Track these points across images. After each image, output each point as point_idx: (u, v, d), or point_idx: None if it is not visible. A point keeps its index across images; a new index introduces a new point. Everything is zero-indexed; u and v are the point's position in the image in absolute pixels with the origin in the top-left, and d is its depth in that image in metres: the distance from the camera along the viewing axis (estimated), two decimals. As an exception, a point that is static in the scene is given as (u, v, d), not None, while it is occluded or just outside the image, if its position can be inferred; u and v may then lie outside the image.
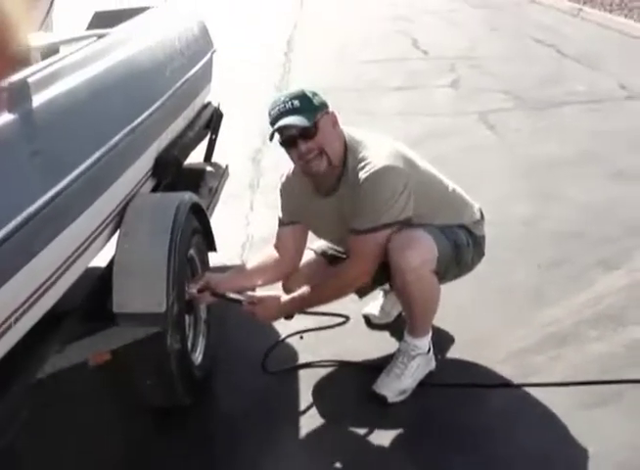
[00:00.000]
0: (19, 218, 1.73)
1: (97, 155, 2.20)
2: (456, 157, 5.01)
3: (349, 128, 2.71)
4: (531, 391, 2.69)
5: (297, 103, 2.52)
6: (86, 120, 2.26)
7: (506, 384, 2.74)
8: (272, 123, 2.55)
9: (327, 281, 2.68)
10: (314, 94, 2.59)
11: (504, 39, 9.44)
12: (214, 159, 3.91)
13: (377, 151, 2.60)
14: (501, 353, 2.92)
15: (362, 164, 2.57)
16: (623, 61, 7.84)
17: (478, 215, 2.87)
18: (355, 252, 2.63)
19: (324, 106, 2.60)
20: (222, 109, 4.00)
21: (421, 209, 2.62)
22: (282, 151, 2.65)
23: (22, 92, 1.97)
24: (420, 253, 2.53)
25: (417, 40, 9.57)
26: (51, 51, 2.44)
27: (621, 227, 3.98)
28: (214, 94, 4.03)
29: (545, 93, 6.77)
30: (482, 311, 3.24)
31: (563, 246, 3.82)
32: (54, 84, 2.16)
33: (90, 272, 2.41)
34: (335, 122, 2.62)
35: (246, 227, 4.22)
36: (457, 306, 3.14)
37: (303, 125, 2.51)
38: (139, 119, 2.59)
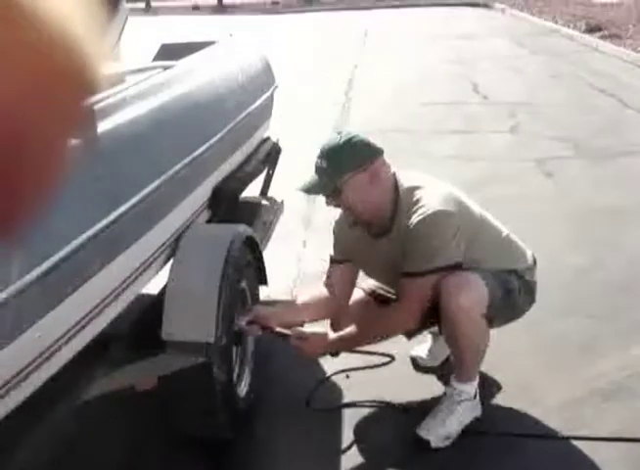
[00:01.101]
0: (77, 241, 1.77)
1: (156, 183, 2.24)
2: (512, 203, 4.97)
3: (404, 172, 2.72)
4: (579, 445, 2.63)
5: (324, 164, 2.57)
6: (147, 149, 2.31)
7: (552, 435, 2.69)
8: None
9: (375, 322, 2.69)
10: (353, 148, 2.57)
11: (564, 86, 9.40)
12: (270, 194, 3.94)
13: (430, 195, 2.60)
14: (549, 404, 2.87)
15: (415, 207, 2.57)
16: (687, 114, 7.74)
17: (530, 262, 2.85)
18: (405, 295, 2.62)
19: (358, 164, 2.57)
20: (281, 144, 4.04)
21: (473, 253, 2.61)
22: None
23: (89, 118, 2.03)
24: (471, 296, 2.51)
25: (477, 85, 9.58)
26: (117, 80, 2.50)
27: (678, 282, 3.90)
28: (274, 129, 4.08)
29: (605, 143, 6.71)
30: (532, 360, 3.19)
31: (616, 298, 3.75)
32: (118, 112, 2.22)
33: (143, 299, 2.44)
34: (373, 178, 2.59)
35: (297, 263, 4.24)
36: (506, 353, 3.10)
37: (319, 193, 2.64)
38: (199, 151, 2.64)
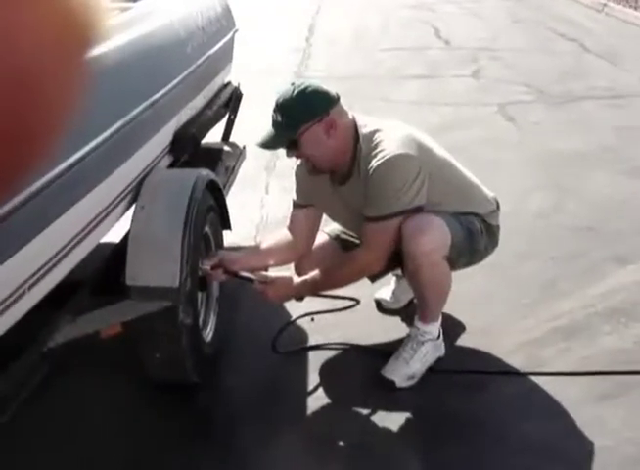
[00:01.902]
0: (36, 185, 1.74)
1: (115, 127, 2.20)
2: (473, 147, 4.99)
3: (363, 117, 2.70)
4: (539, 381, 2.69)
5: (279, 118, 2.55)
6: (105, 93, 2.26)
7: (514, 372, 2.74)
8: None
9: (339, 266, 2.69)
10: (309, 100, 2.55)
11: (526, 32, 9.39)
12: (232, 139, 3.91)
13: (389, 139, 2.59)
14: (511, 343, 2.92)
15: (374, 152, 2.56)
16: (646, 58, 7.80)
17: (493, 205, 2.86)
18: (368, 239, 2.63)
19: (314, 115, 2.55)
20: (242, 89, 4.00)
21: (435, 196, 2.61)
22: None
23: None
24: (433, 238, 2.53)
25: (439, 30, 9.52)
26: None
27: (637, 223, 3.97)
28: (234, 75, 4.03)
29: (566, 87, 6.74)
30: (494, 301, 3.24)
31: (577, 240, 3.81)
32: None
33: (106, 245, 2.42)
34: (329, 128, 2.56)
35: (260, 209, 4.23)
36: (469, 295, 3.14)
37: (277, 147, 2.66)
38: (159, 94, 2.59)
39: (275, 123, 2.57)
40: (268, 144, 2.61)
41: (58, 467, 2.37)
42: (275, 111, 2.57)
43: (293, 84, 2.58)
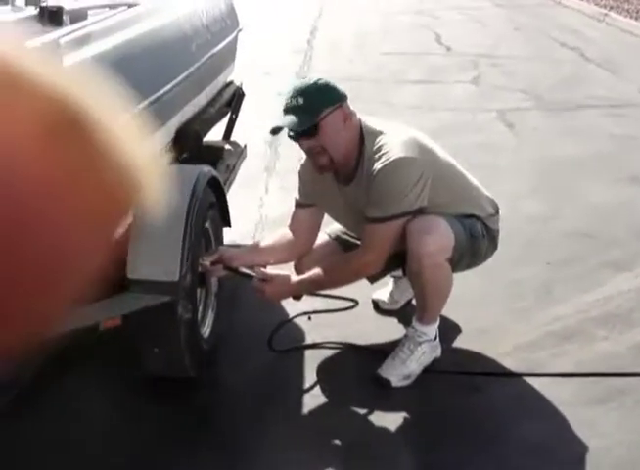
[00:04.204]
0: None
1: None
2: (472, 152, 4.99)
3: (368, 118, 2.71)
4: (534, 383, 2.71)
5: (301, 101, 2.52)
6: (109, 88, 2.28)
7: (509, 374, 2.76)
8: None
9: (338, 266, 2.70)
10: (326, 87, 2.58)
11: (527, 39, 9.43)
12: (233, 138, 3.93)
13: (393, 141, 2.60)
14: (506, 346, 2.94)
15: (378, 154, 2.58)
16: (646, 68, 7.83)
17: (494, 210, 2.88)
18: (368, 240, 2.64)
19: (334, 101, 2.57)
20: (244, 89, 4.01)
21: (438, 198, 2.62)
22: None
23: (51, 54, 1.99)
24: (437, 239, 2.54)
25: (440, 36, 9.56)
26: (80, 16, 2.45)
27: (632, 230, 3.99)
28: (236, 75, 4.05)
29: (565, 95, 6.77)
30: (491, 304, 3.25)
31: (573, 245, 3.83)
32: (80, 49, 2.19)
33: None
34: (346, 117, 2.59)
35: (260, 208, 4.24)
36: (466, 298, 3.15)
37: (299, 129, 2.53)
38: (162, 90, 2.61)
39: (295, 108, 2.52)
40: (290, 126, 2.54)
41: (58, 466, 2.38)
42: (294, 96, 2.53)
43: (304, 78, 2.61)
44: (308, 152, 2.65)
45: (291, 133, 2.58)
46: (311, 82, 2.58)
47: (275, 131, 2.60)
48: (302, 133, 2.55)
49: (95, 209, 0.42)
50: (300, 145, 2.63)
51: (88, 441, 2.47)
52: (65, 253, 0.41)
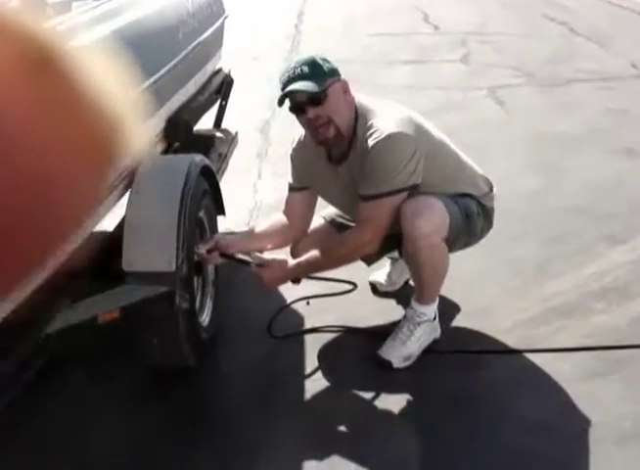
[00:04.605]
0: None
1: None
2: (464, 130, 4.98)
3: (362, 96, 2.70)
4: (535, 360, 2.71)
5: (306, 69, 2.52)
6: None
7: (509, 351, 2.77)
8: (282, 89, 2.55)
9: (334, 247, 2.69)
10: (325, 61, 2.59)
11: (516, 16, 9.39)
12: (224, 125, 3.91)
13: (387, 118, 2.59)
14: (506, 323, 2.94)
15: (371, 131, 2.57)
16: (635, 40, 7.81)
17: (488, 188, 2.87)
18: (363, 218, 2.63)
19: (335, 73, 2.59)
20: (233, 76, 4.00)
21: (432, 177, 2.62)
22: (290, 123, 2.65)
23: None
24: (432, 219, 2.54)
25: (428, 15, 9.52)
26: (63, 9, 2.43)
27: (628, 203, 3.99)
28: (225, 62, 4.03)
29: (555, 70, 6.75)
30: (489, 282, 3.26)
31: (569, 220, 3.83)
32: (65, 41, 2.16)
33: (103, 230, 2.42)
34: (346, 90, 2.61)
35: (254, 195, 4.23)
36: (464, 277, 3.16)
37: (312, 91, 2.50)
38: (150, 80, 2.59)
39: (301, 75, 2.51)
40: (304, 87, 2.49)
41: (58, 466, 2.37)
42: (297, 66, 2.52)
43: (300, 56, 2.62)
44: (311, 123, 2.58)
45: (297, 100, 2.54)
46: (311, 55, 2.59)
47: (282, 101, 2.57)
48: (311, 100, 2.53)
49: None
50: (303, 117, 2.58)
51: (88, 441, 2.47)
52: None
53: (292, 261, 2.72)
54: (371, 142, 2.54)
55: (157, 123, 2.75)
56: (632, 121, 5.33)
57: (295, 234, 2.86)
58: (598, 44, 7.67)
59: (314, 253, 2.66)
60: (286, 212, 2.86)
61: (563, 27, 8.55)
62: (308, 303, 3.12)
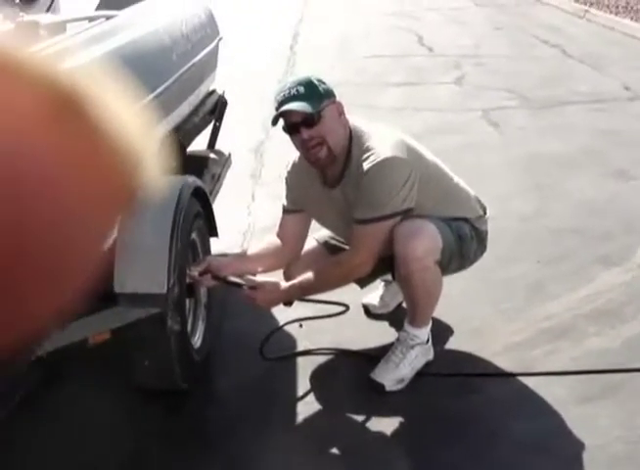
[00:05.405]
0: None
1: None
2: (458, 153, 4.99)
3: (356, 118, 2.71)
4: (528, 383, 2.70)
5: (302, 89, 2.53)
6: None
7: (503, 374, 2.76)
8: (277, 108, 2.55)
9: (328, 269, 2.69)
10: (321, 82, 2.59)
11: (509, 38, 9.45)
12: (217, 146, 3.91)
13: (381, 142, 2.60)
14: (499, 346, 2.93)
15: (366, 154, 2.57)
16: (628, 63, 7.85)
17: (481, 211, 2.87)
18: (357, 241, 2.63)
19: (330, 94, 2.60)
20: (227, 98, 4.00)
21: (425, 200, 2.62)
22: (284, 144, 2.65)
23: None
24: (424, 243, 2.54)
25: (422, 37, 9.57)
26: (58, 30, 2.44)
27: (621, 224, 3.99)
28: (219, 83, 4.03)
29: (549, 92, 6.78)
30: (482, 304, 3.25)
31: (562, 242, 3.83)
32: (59, 62, 2.17)
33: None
34: (340, 112, 2.62)
35: (247, 217, 4.23)
36: (457, 299, 3.15)
37: (307, 112, 2.51)
38: (144, 101, 2.59)
39: (297, 96, 2.51)
40: (299, 107, 2.50)
41: (58, 466, 2.37)
42: (293, 87, 2.53)
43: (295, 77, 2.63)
44: (305, 143, 2.58)
45: (292, 121, 2.54)
46: (307, 76, 2.60)
47: (276, 120, 2.57)
48: (305, 121, 2.53)
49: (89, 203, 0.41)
50: (297, 137, 2.58)
51: (89, 440, 2.46)
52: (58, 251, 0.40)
53: (285, 284, 2.71)
54: (366, 166, 2.54)
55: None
56: (625, 143, 5.35)
57: (288, 256, 2.86)
58: (591, 66, 7.71)
59: (308, 275, 2.65)
60: (279, 235, 2.85)
61: (555, 50, 8.60)
62: (301, 325, 3.11)
